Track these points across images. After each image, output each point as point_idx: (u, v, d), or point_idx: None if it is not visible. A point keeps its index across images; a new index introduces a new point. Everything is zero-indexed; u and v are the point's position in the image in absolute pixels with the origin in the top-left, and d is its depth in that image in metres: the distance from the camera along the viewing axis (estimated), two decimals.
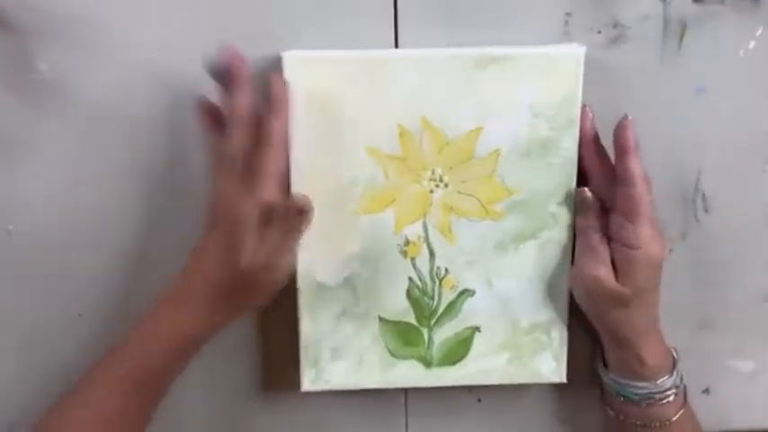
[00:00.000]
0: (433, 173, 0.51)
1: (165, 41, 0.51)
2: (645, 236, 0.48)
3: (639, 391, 0.51)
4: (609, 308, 0.50)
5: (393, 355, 0.54)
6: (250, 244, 0.47)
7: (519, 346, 0.54)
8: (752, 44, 0.53)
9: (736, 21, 0.52)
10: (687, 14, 0.52)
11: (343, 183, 0.51)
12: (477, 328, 0.54)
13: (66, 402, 0.49)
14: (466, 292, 0.53)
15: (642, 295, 0.50)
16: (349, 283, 0.53)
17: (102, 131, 0.52)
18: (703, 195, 0.56)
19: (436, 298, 0.53)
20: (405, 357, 0.54)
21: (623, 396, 0.52)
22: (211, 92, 0.48)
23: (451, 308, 0.54)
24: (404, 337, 0.54)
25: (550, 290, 0.53)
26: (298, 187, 0.50)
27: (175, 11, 0.50)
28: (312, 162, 0.50)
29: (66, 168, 0.53)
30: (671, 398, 0.51)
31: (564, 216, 0.52)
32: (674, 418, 0.51)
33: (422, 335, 0.54)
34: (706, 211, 0.56)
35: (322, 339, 0.53)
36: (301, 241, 0.50)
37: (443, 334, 0.54)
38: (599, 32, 0.52)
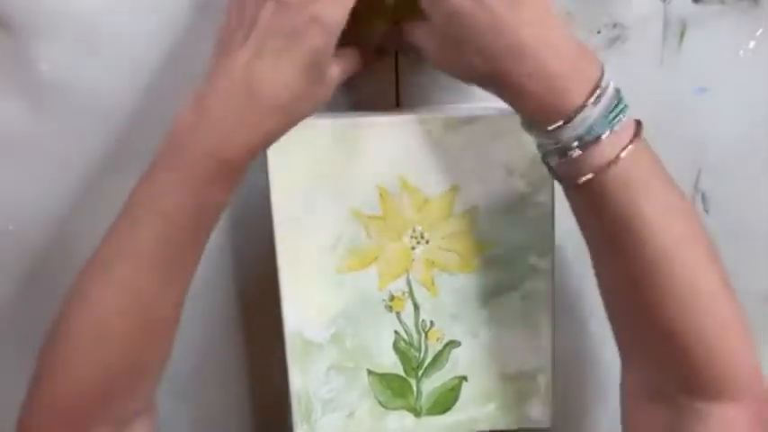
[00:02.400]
0: (413, 230, 0.52)
1: (165, 42, 0.51)
2: None
3: (569, 134, 0.41)
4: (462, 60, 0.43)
5: (383, 406, 0.55)
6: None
7: (506, 393, 0.55)
8: (752, 44, 0.53)
9: (736, 21, 0.52)
10: (687, 14, 0.52)
11: (327, 242, 0.52)
12: (464, 378, 0.55)
13: (102, 259, 0.45)
14: (451, 344, 0.54)
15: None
16: (336, 338, 0.54)
17: (102, 131, 0.53)
18: (703, 195, 0.56)
19: (423, 350, 0.55)
20: (395, 408, 0.55)
21: (558, 154, 0.43)
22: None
23: (438, 359, 0.55)
24: (393, 389, 0.55)
25: (534, 338, 0.54)
26: (282, 246, 0.52)
27: (176, 11, 0.51)
28: (297, 222, 0.52)
29: (65, 168, 0.53)
30: (606, 131, 0.41)
31: (544, 267, 0.53)
32: (623, 155, 0.41)
33: (410, 386, 0.55)
34: (706, 211, 0.56)
35: (313, 394, 0.55)
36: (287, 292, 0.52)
37: (431, 384, 0.55)
38: (599, 32, 0.52)
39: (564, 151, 0.42)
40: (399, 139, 0.50)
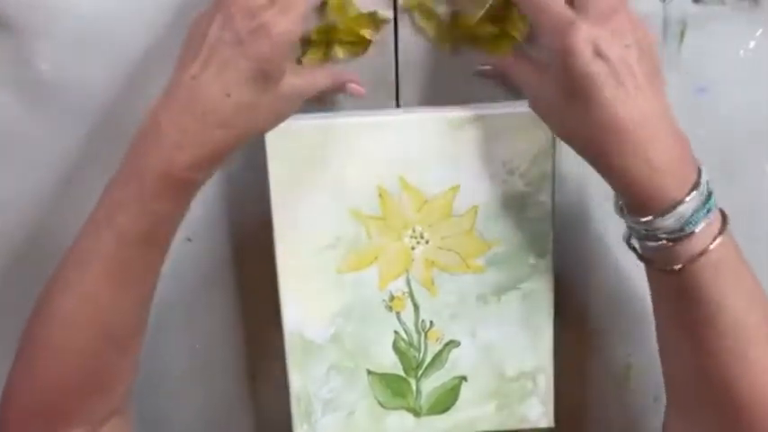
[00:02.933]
0: (413, 230, 0.52)
1: (165, 42, 0.51)
2: (544, 39, 0.43)
3: (662, 224, 0.42)
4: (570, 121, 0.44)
5: (383, 406, 0.55)
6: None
7: (506, 393, 0.55)
8: (752, 44, 0.53)
9: (736, 21, 0.52)
10: (687, 14, 0.52)
11: (327, 242, 0.52)
12: (463, 378, 0.55)
13: (64, 267, 0.46)
14: (451, 344, 0.54)
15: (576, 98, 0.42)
16: (336, 338, 0.54)
17: (101, 131, 0.53)
18: None
19: (422, 350, 0.55)
20: (394, 408, 0.55)
21: (648, 239, 0.44)
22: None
23: (438, 359, 0.55)
24: (393, 389, 0.55)
25: (534, 338, 0.54)
26: (283, 247, 0.52)
27: (176, 12, 0.51)
28: (297, 222, 0.52)
29: (64, 168, 0.53)
30: (701, 224, 0.42)
31: (544, 266, 0.53)
32: (712, 246, 0.42)
33: (410, 386, 0.55)
34: None
35: (313, 394, 0.55)
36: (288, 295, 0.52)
37: (431, 384, 0.55)
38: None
39: (655, 239, 0.43)
40: (399, 139, 0.50)
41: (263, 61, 0.42)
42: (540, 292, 0.54)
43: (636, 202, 0.43)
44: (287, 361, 0.54)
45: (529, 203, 0.52)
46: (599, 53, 0.41)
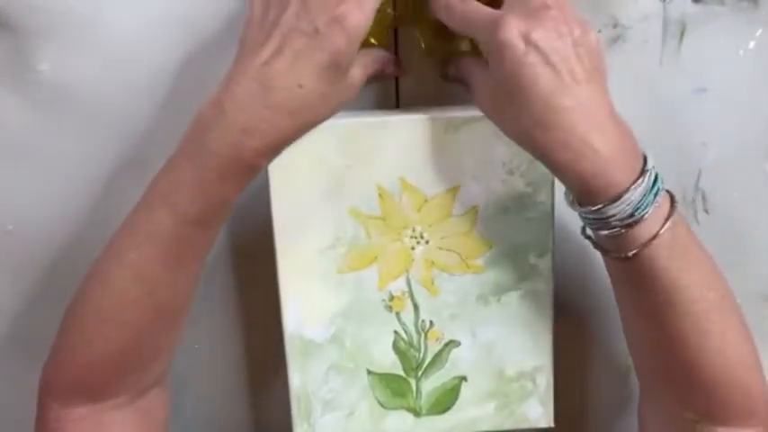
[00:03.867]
0: (413, 230, 0.52)
1: (165, 42, 0.51)
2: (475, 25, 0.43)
3: (612, 211, 0.43)
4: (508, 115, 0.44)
5: (383, 406, 0.55)
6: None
7: (505, 393, 0.55)
8: (752, 44, 0.53)
9: (736, 21, 0.52)
10: (687, 14, 0.52)
11: (327, 242, 0.52)
12: (463, 378, 0.55)
13: (118, 243, 0.46)
14: (451, 344, 0.54)
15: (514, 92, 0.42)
16: (336, 338, 0.54)
17: (101, 131, 0.53)
18: (703, 195, 0.56)
19: (422, 350, 0.55)
20: (394, 408, 0.55)
21: (600, 228, 0.44)
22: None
23: (438, 359, 0.55)
24: (393, 389, 0.55)
25: (534, 338, 0.54)
26: (283, 247, 0.52)
27: (176, 11, 0.51)
28: (297, 222, 0.52)
29: (65, 168, 0.54)
30: (650, 209, 0.43)
31: (544, 267, 0.53)
32: (663, 230, 0.43)
33: (410, 386, 0.55)
34: (706, 211, 0.57)
35: (313, 394, 0.55)
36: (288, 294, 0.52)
37: (431, 384, 0.55)
38: (599, 32, 0.52)
39: (607, 227, 0.44)
40: (399, 139, 0.50)
41: (338, 53, 0.42)
42: (540, 292, 0.54)
43: (584, 192, 0.43)
44: (287, 361, 0.54)
45: (529, 203, 0.52)
46: (531, 44, 0.41)
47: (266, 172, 0.50)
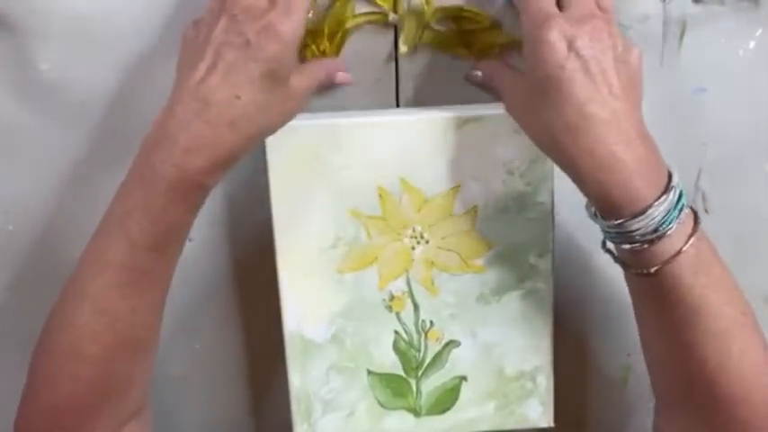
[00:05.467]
0: (413, 230, 0.52)
1: (165, 42, 0.51)
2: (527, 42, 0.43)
3: (635, 226, 0.42)
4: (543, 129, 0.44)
5: (383, 406, 0.55)
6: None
7: (505, 393, 0.55)
8: (752, 44, 0.53)
9: (736, 21, 0.52)
10: (687, 14, 0.52)
11: (327, 242, 0.52)
12: (463, 378, 0.55)
13: (77, 276, 0.46)
14: (451, 344, 0.54)
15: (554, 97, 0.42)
16: (336, 338, 0.54)
17: (101, 131, 0.53)
18: (703, 195, 0.56)
19: (422, 350, 0.55)
20: (394, 408, 0.55)
21: (622, 243, 0.44)
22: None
23: (438, 359, 0.55)
24: (393, 389, 0.55)
25: (534, 338, 0.54)
26: (283, 247, 0.52)
27: (176, 11, 0.51)
28: (297, 222, 0.52)
29: (66, 168, 0.53)
30: (674, 225, 0.42)
31: (544, 267, 0.53)
32: (686, 247, 0.43)
33: (410, 386, 0.55)
34: (706, 211, 0.56)
35: (313, 394, 0.55)
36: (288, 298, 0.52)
37: (431, 384, 0.55)
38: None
39: (630, 241, 0.43)
40: (399, 139, 0.50)
41: (272, 61, 0.43)
42: (540, 292, 0.54)
43: (607, 205, 0.43)
44: (287, 361, 0.54)
45: (529, 203, 0.52)
46: (573, 49, 0.41)
47: (266, 172, 0.50)
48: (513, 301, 0.54)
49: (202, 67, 0.43)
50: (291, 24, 0.43)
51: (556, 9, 0.43)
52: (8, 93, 0.52)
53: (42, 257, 0.55)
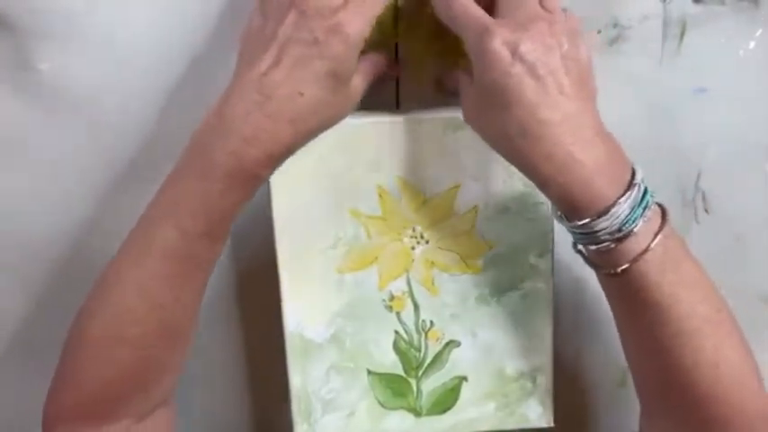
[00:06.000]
0: (413, 230, 0.52)
1: (165, 42, 0.51)
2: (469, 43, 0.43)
3: (600, 226, 0.42)
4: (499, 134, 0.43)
5: (383, 406, 0.55)
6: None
7: (505, 393, 0.55)
8: (752, 44, 0.53)
9: (736, 21, 0.52)
10: (687, 14, 0.52)
11: (327, 242, 0.52)
12: (463, 378, 0.55)
13: (120, 262, 0.46)
14: (451, 344, 0.54)
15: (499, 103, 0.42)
16: (336, 338, 0.54)
17: (101, 131, 0.53)
18: (703, 195, 0.56)
19: (423, 350, 0.55)
20: (395, 408, 0.55)
21: (587, 243, 0.44)
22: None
23: (438, 359, 0.55)
24: (393, 389, 0.55)
25: (534, 338, 0.54)
26: (283, 247, 0.52)
27: (176, 11, 0.51)
28: (297, 222, 0.52)
29: (65, 168, 0.53)
30: (639, 223, 0.42)
31: (544, 267, 0.53)
32: (653, 244, 0.42)
33: (410, 386, 0.55)
34: (706, 211, 0.56)
35: (313, 394, 0.55)
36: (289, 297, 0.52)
37: (431, 384, 0.55)
38: (599, 32, 0.52)
39: (596, 242, 0.43)
40: (399, 139, 0.51)
41: (338, 61, 0.43)
42: (540, 292, 0.54)
43: (570, 206, 0.43)
44: (287, 361, 0.54)
45: (529, 203, 0.52)
46: (517, 55, 0.41)
47: None
48: (512, 301, 0.54)
49: (267, 60, 0.43)
50: (360, 26, 0.43)
51: (490, 17, 0.43)
52: (8, 93, 0.52)
53: (42, 257, 0.55)
